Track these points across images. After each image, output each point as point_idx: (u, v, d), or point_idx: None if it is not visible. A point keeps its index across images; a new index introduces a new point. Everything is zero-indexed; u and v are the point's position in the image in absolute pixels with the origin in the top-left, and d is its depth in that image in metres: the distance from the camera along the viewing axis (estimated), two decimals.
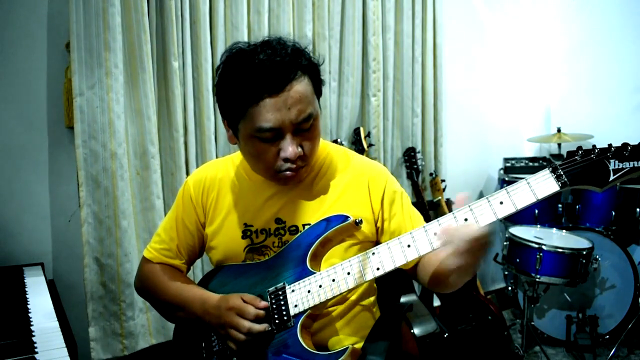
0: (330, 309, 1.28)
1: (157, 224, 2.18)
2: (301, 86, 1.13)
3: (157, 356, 2.27)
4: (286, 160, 1.17)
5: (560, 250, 2.51)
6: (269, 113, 1.11)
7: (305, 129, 1.17)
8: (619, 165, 0.98)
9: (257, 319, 1.16)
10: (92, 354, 2.05)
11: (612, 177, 0.98)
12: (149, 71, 2.13)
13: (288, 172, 1.20)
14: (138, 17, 2.08)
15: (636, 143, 0.98)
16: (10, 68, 2.00)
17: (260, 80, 1.10)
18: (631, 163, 0.97)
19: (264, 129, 1.12)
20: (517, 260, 2.60)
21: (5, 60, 1.99)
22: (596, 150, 1.00)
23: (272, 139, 1.15)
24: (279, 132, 1.14)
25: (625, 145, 0.98)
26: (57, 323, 1.39)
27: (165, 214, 2.19)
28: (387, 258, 1.10)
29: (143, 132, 2.16)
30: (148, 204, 2.19)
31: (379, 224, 1.32)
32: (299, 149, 1.17)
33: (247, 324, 1.15)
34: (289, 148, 1.15)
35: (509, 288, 2.91)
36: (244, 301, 1.18)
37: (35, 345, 1.25)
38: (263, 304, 1.18)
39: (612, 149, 0.99)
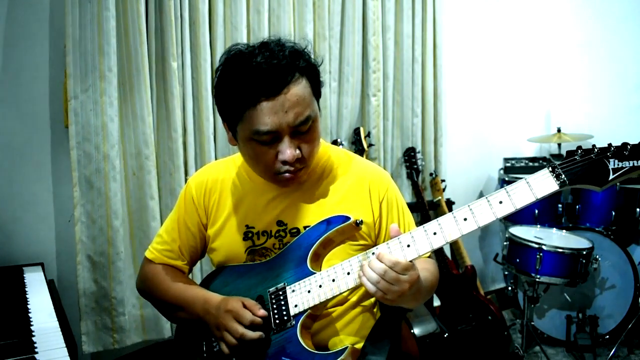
0: (331, 309, 1.28)
1: (150, 224, 2.20)
2: (299, 88, 1.13)
3: (157, 355, 2.28)
4: (284, 162, 1.17)
5: (560, 250, 2.51)
6: (266, 116, 1.11)
7: (304, 131, 1.17)
8: (618, 165, 0.98)
9: (252, 326, 1.15)
10: (84, 346, 2.08)
11: (611, 177, 0.98)
12: (145, 73, 2.14)
13: (287, 175, 1.20)
14: (134, 20, 2.09)
15: (636, 142, 0.98)
16: (11, 67, 2.00)
17: (257, 83, 1.10)
18: (631, 162, 0.97)
19: (261, 132, 1.12)
20: (517, 260, 2.60)
21: (6, 59, 1.99)
22: (596, 150, 1.00)
23: (270, 141, 1.15)
24: (277, 135, 1.14)
25: (625, 144, 0.98)
26: (57, 323, 1.39)
27: (160, 215, 2.23)
28: None
29: (137, 133, 2.18)
30: (142, 204, 2.21)
31: (377, 227, 1.32)
32: (297, 152, 1.17)
33: (240, 329, 1.15)
34: (287, 151, 1.15)
35: (509, 288, 2.91)
36: (244, 306, 1.18)
37: (35, 345, 1.25)
38: (262, 312, 1.17)
39: (612, 148, 0.99)
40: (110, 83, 2.05)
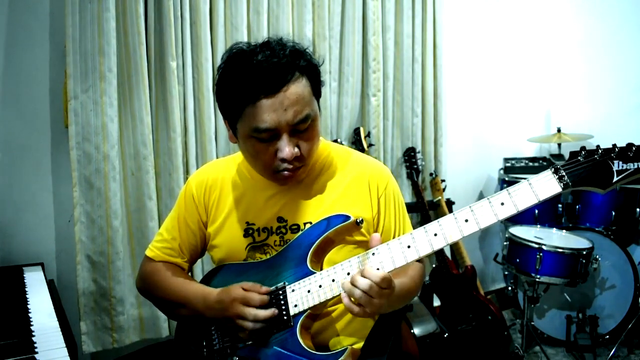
0: (331, 309, 1.28)
1: (148, 224, 2.21)
2: (298, 87, 1.14)
3: (157, 355, 2.28)
4: (283, 160, 1.17)
5: (560, 250, 2.51)
6: (265, 114, 1.11)
7: (303, 129, 1.17)
8: (622, 166, 0.96)
9: (262, 305, 1.16)
10: (83, 346, 2.09)
11: (615, 179, 0.96)
12: (143, 73, 2.14)
13: (285, 172, 1.20)
14: (133, 20, 2.09)
15: (637, 143, 0.97)
16: (12, 68, 2.00)
17: (257, 81, 1.11)
18: (635, 164, 0.96)
19: (260, 129, 1.13)
20: (517, 260, 2.60)
21: (6, 60, 1.99)
22: (600, 151, 0.98)
23: (269, 139, 1.16)
24: (276, 133, 1.15)
25: (629, 145, 0.96)
26: (57, 323, 1.39)
27: (160, 215, 2.24)
28: (387, 258, 1.10)
29: (136, 134, 2.18)
30: (140, 205, 2.21)
31: (375, 223, 1.32)
32: (296, 150, 1.17)
33: (252, 311, 1.15)
34: (286, 149, 1.15)
35: (509, 288, 2.91)
36: (245, 290, 1.18)
37: (35, 345, 1.25)
38: (264, 289, 1.19)
39: (616, 149, 0.97)
40: (110, 83, 2.06)
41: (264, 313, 1.15)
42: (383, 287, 1.05)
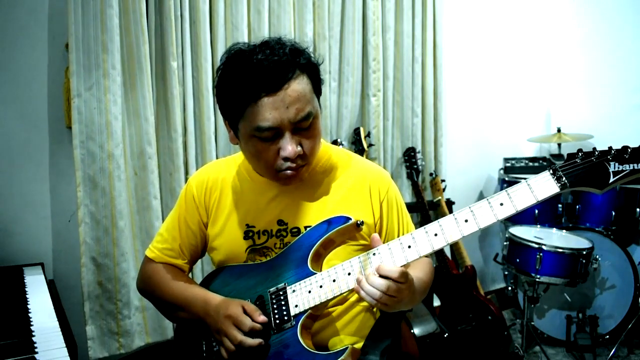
0: (331, 309, 1.28)
1: (154, 224, 2.19)
2: (299, 85, 1.14)
3: (158, 355, 2.28)
4: (286, 159, 1.17)
5: (560, 250, 2.51)
6: (267, 112, 1.11)
7: (305, 127, 1.17)
8: (619, 168, 0.98)
9: (251, 333, 1.15)
10: (90, 352, 2.07)
11: (612, 179, 0.98)
12: (147, 72, 2.13)
13: (289, 172, 1.20)
14: (136, 18, 2.09)
15: (636, 145, 0.98)
16: (11, 68, 2.00)
17: (258, 80, 1.11)
18: (631, 165, 0.98)
19: (262, 128, 1.13)
20: (517, 260, 2.61)
21: (5, 59, 1.99)
22: (596, 153, 1.00)
23: (272, 138, 1.16)
24: (278, 131, 1.14)
25: (625, 147, 0.98)
26: (57, 323, 1.40)
27: (162, 214, 2.22)
28: (387, 259, 1.10)
29: (140, 132, 2.17)
30: (145, 204, 2.20)
31: (377, 227, 1.32)
32: (299, 148, 1.17)
33: (239, 336, 1.14)
34: (288, 147, 1.15)
35: (509, 288, 2.91)
36: (244, 311, 1.17)
37: (35, 345, 1.25)
38: (262, 318, 1.17)
39: (613, 151, 0.99)
40: (114, 81, 2.04)
41: (249, 341, 1.14)
42: (401, 282, 1.05)
